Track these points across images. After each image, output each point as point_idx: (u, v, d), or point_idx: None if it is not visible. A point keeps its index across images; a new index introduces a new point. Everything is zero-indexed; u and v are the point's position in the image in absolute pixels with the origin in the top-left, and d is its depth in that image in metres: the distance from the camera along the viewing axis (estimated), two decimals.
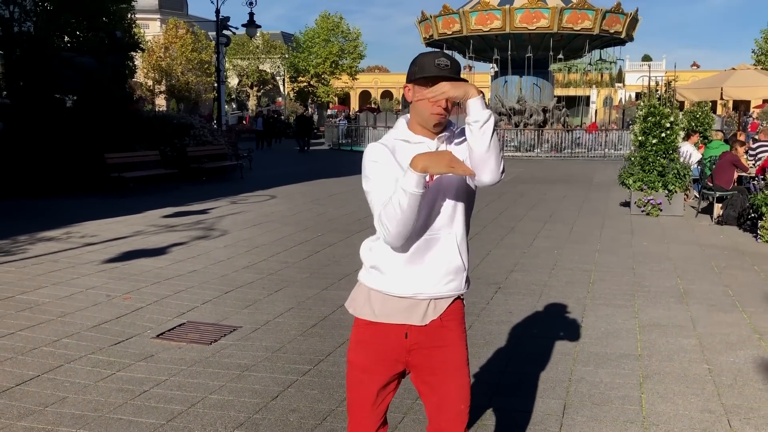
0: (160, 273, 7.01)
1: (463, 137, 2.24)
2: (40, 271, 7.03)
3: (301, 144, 30.66)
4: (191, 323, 5.43)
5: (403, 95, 2.27)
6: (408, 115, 2.32)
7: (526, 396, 3.96)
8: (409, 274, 2.21)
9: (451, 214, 2.23)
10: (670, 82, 12.64)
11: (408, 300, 2.23)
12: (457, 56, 33.76)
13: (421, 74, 2.17)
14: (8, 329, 5.15)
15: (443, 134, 2.26)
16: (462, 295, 2.32)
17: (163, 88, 52.05)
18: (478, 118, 2.10)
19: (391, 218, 2.09)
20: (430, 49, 2.29)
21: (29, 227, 9.57)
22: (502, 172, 2.18)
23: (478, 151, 2.12)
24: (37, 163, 13.22)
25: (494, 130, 2.13)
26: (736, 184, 11.16)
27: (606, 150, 26.94)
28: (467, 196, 2.28)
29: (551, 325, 5.37)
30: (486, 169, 2.14)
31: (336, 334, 5.09)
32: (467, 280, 2.30)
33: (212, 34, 51.80)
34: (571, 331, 5.19)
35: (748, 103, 36.67)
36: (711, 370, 4.37)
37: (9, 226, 9.75)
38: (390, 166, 2.17)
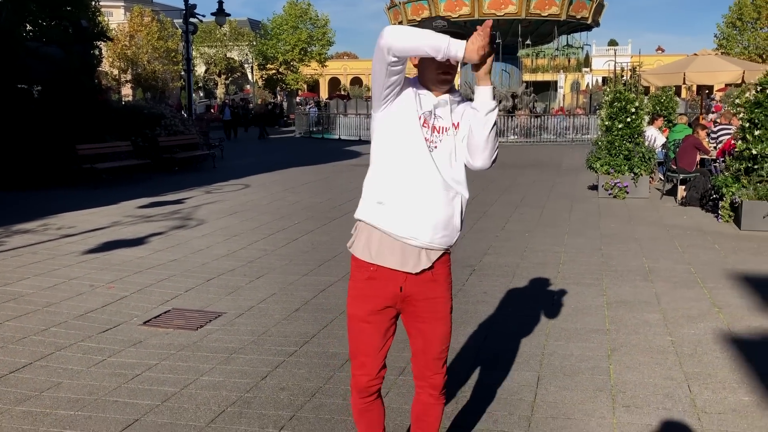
0: (141, 262, 7.11)
1: (465, 104, 2.46)
2: (20, 263, 7.08)
3: (261, 131, 30.92)
4: (176, 310, 5.57)
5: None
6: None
7: (503, 369, 4.20)
8: (410, 217, 2.39)
9: (461, 177, 2.45)
10: (635, 68, 12.97)
11: (402, 243, 2.42)
12: None
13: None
14: None
15: (446, 96, 2.43)
16: (450, 248, 2.53)
17: (129, 77, 51.37)
18: (486, 106, 2.31)
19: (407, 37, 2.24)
20: None
21: (3, 220, 9.55)
22: (494, 161, 2.40)
23: (479, 137, 2.34)
24: (6, 156, 13.11)
25: (495, 122, 2.33)
26: (699, 166, 11.56)
27: (574, 135, 27.41)
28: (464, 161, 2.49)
29: (524, 304, 5.62)
30: (480, 155, 2.38)
31: (319, 318, 5.28)
32: (459, 235, 2.52)
33: (178, 21, 51.18)
34: (544, 309, 5.45)
35: (711, 86, 37.47)
36: (673, 341, 4.67)
37: None
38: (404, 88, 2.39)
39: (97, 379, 4.16)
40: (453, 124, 2.44)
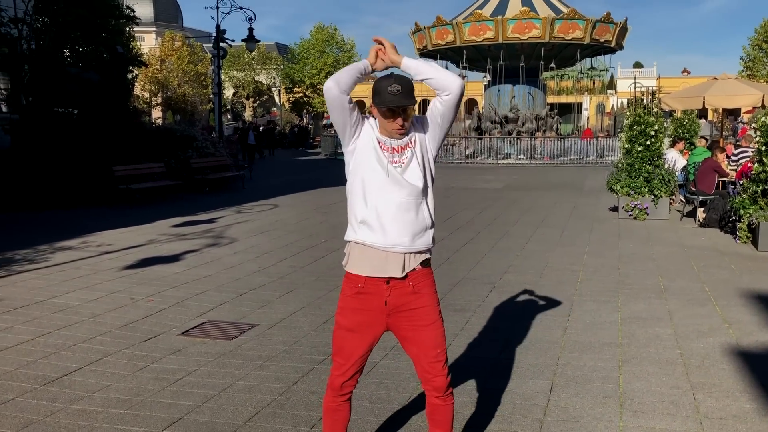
0: (177, 278, 7.51)
1: (418, 127, 2.88)
2: (65, 277, 7.52)
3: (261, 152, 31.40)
4: (212, 322, 5.93)
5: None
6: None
7: (518, 378, 4.48)
8: (390, 229, 2.76)
9: (422, 181, 2.80)
10: (655, 91, 13.20)
11: (387, 253, 2.78)
12: (451, 66, 34.41)
13: (379, 102, 2.74)
14: (47, 328, 5.65)
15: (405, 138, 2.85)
16: (429, 258, 2.87)
17: (159, 100, 52.67)
18: (415, 71, 2.80)
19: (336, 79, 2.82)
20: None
21: (47, 238, 10.06)
22: (459, 85, 2.74)
23: (431, 81, 2.78)
24: (46, 177, 13.72)
25: (426, 65, 2.81)
26: (720, 188, 11.72)
27: (596, 157, 27.55)
28: (430, 165, 2.88)
29: (541, 319, 5.89)
30: (446, 84, 2.76)
31: None
32: (433, 239, 2.86)
33: (207, 46, 52.45)
34: (559, 323, 5.71)
35: (738, 109, 37.32)
36: (682, 354, 4.90)
37: (27, 236, 10.24)
38: (360, 118, 2.85)
39: (141, 382, 4.52)
40: (409, 141, 2.84)
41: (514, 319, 5.88)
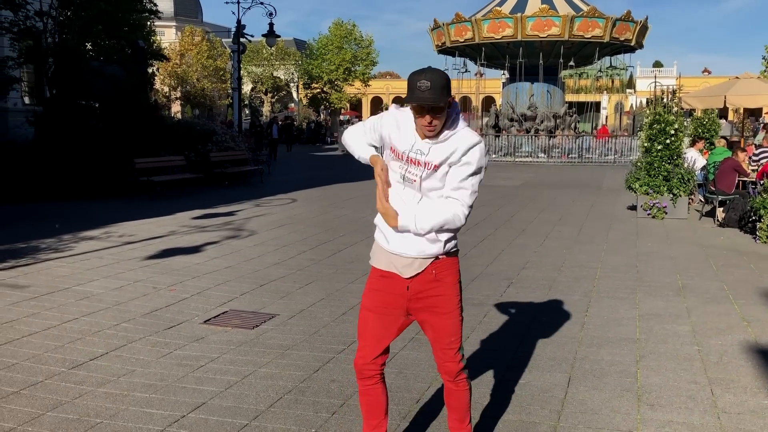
0: (199, 268, 7.62)
1: (462, 157, 2.73)
2: (89, 266, 7.66)
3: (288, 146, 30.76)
4: (233, 311, 6.03)
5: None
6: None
7: (536, 371, 4.52)
8: (394, 236, 2.84)
9: (430, 197, 2.79)
10: (675, 90, 13.15)
11: (396, 256, 2.85)
12: (469, 63, 34.38)
13: (409, 97, 2.61)
14: (73, 315, 5.78)
15: (436, 139, 2.76)
16: (452, 252, 2.88)
17: (178, 94, 53.05)
18: (414, 232, 2.76)
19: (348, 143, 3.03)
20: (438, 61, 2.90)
21: (70, 228, 10.23)
22: (461, 218, 2.73)
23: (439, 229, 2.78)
24: (70, 168, 13.92)
25: (423, 219, 2.73)
26: (740, 188, 11.66)
27: (615, 156, 27.42)
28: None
29: (559, 314, 5.92)
30: (449, 230, 2.78)
31: None
32: (446, 244, 2.80)
33: (227, 41, 52.65)
34: (577, 319, 5.74)
35: (759, 109, 36.94)
36: (700, 350, 4.92)
37: (51, 227, 10.42)
38: (386, 128, 2.86)
39: (166, 368, 4.62)
40: (432, 165, 2.71)
41: (531, 314, 5.93)
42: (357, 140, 2.99)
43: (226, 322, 5.71)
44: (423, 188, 2.76)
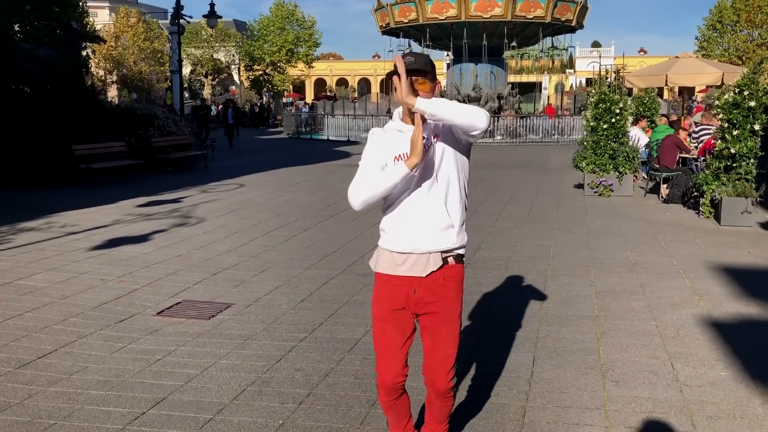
0: (148, 258, 7.37)
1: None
2: (30, 258, 7.31)
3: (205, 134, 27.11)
4: (187, 302, 5.84)
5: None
6: (400, 108, 2.80)
7: (501, 351, 4.53)
8: (405, 234, 2.73)
9: (442, 182, 2.71)
10: (619, 69, 13.39)
11: (409, 255, 2.73)
12: (413, 44, 34.27)
13: (393, 70, 2.59)
14: (16, 311, 5.49)
15: (429, 123, 2.69)
16: (461, 255, 2.81)
17: (115, 78, 51.30)
18: (431, 113, 2.56)
19: (367, 188, 2.68)
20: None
21: (7, 218, 9.75)
22: (483, 126, 2.58)
23: (453, 124, 2.61)
24: (4, 156, 13.27)
25: (444, 106, 2.55)
26: (681, 164, 11.99)
27: (558, 136, 27.88)
28: (458, 165, 2.76)
29: (518, 294, 5.96)
30: (469, 126, 2.57)
31: (325, 307, 5.58)
32: (459, 234, 2.76)
33: (164, 22, 51.10)
34: (536, 297, 5.78)
35: (692, 88, 38.14)
36: (658, 325, 5.02)
37: None
38: (380, 148, 2.74)
39: (120, 363, 4.43)
40: (433, 136, 2.70)
41: (491, 295, 5.94)
42: (375, 176, 2.70)
43: (180, 313, 5.53)
44: (436, 166, 2.70)
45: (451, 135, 2.72)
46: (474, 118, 2.56)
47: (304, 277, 6.60)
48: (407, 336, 2.84)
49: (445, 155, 2.73)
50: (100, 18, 56.41)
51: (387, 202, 2.79)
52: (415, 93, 2.61)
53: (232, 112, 28.63)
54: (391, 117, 2.86)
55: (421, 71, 2.63)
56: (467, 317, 5.29)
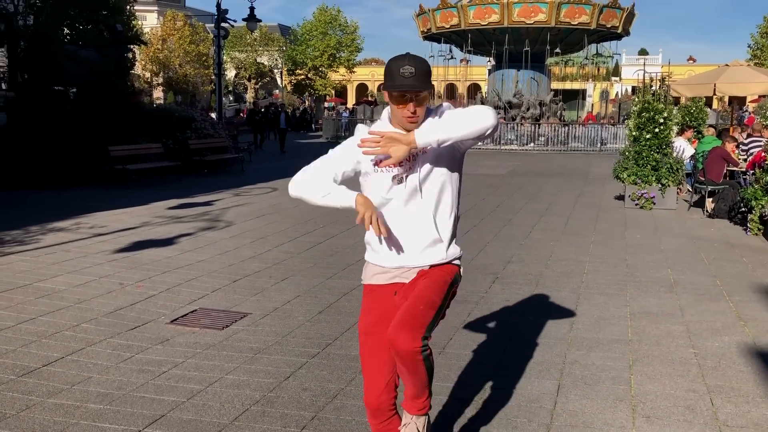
0: (170, 262, 7.25)
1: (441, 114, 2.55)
2: (54, 260, 7.27)
3: (259, 139, 27.16)
4: (203, 310, 5.68)
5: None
6: (389, 110, 2.61)
7: (523, 376, 4.22)
8: (392, 249, 2.60)
9: (430, 192, 2.55)
10: (665, 78, 12.88)
11: (397, 269, 2.63)
12: (455, 50, 33.96)
13: (390, 84, 2.45)
14: (30, 315, 5.40)
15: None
16: (453, 261, 2.65)
17: (160, 80, 52.19)
18: (440, 141, 2.39)
19: (309, 189, 2.63)
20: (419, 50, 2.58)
21: (39, 218, 9.80)
22: (492, 125, 2.39)
23: (467, 135, 2.40)
24: (42, 156, 13.44)
25: (449, 127, 2.38)
26: (728, 178, 11.43)
27: (601, 144, 27.21)
28: (448, 174, 2.57)
29: (546, 312, 5.63)
30: (481, 131, 2.40)
31: (342, 320, 5.35)
32: (448, 248, 2.62)
33: (210, 26, 51.81)
34: (566, 317, 5.45)
35: (743, 98, 36.92)
36: (697, 353, 4.64)
37: (19, 216, 9.99)
38: (349, 155, 2.62)
39: (125, 374, 4.27)
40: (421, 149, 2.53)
41: (518, 312, 5.63)
42: (318, 181, 2.60)
43: (194, 322, 5.36)
44: (424, 178, 2.54)
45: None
46: (481, 121, 2.38)
47: (324, 287, 6.39)
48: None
49: (435, 166, 2.55)
50: (149, 21, 57.41)
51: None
52: (410, 124, 2.48)
53: (285, 117, 27.92)
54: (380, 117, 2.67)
55: (423, 97, 2.45)
56: (489, 338, 4.99)
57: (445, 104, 2.66)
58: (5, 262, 7.11)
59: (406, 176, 2.56)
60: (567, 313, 5.56)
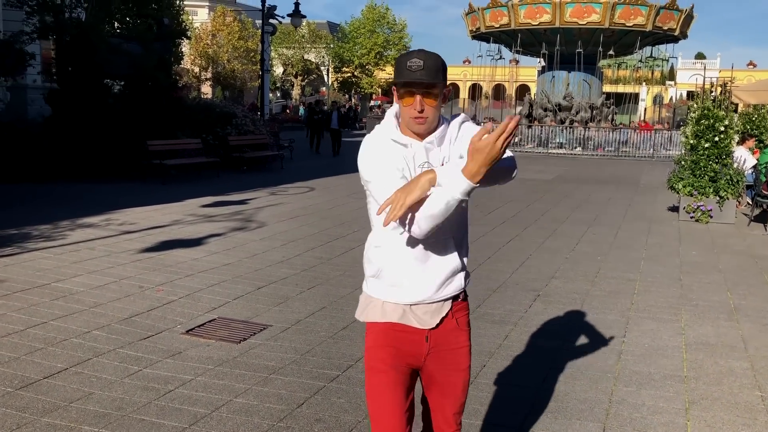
0: (195, 265, 6.97)
1: (459, 133, 2.20)
2: (77, 258, 7.06)
3: (316, 142, 23.71)
4: (222, 319, 5.36)
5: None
6: (396, 108, 2.22)
7: (563, 417, 3.76)
8: (411, 283, 2.20)
9: (448, 218, 2.14)
10: (726, 83, 12.11)
11: (416, 306, 2.23)
12: (504, 50, 33.23)
13: (396, 79, 2.10)
14: (42, 318, 5.16)
15: (432, 137, 2.16)
16: (467, 293, 2.35)
17: (209, 75, 52.63)
18: (458, 189, 1.98)
19: (426, 217, 2.04)
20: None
21: (71, 212, 9.67)
22: (512, 174, 2.16)
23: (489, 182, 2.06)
24: (82, 148, 13.42)
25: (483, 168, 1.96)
26: None
27: (654, 150, 26.22)
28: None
29: (592, 339, 5.14)
30: (505, 178, 2.15)
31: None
32: (467, 275, 2.31)
33: (259, 22, 52.09)
34: (613, 346, 4.95)
35: None
36: (764, 397, 4.10)
37: (52, 209, 9.89)
38: (391, 161, 2.14)
39: (128, 392, 3.96)
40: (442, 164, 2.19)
41: (560, 337, 5.14)
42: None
43: (211, 333, 5.04)
44: None
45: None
46: (509, 170, 2.14)
47: (352, 298, 5.99)
48: (409, 395, 2.29)
49: None
50: (200, 16, 58.01)
51: (383, 243, 2.24)
52: (417, 126, 2.14)
53: (338, 116, 24.07)
54: (396, 121, 2.24)
55: (433, 93, 2.08)
56: (527, 367, 4.52)
57: (462, 116, 2.27)
58: (28, 259, 6.93)
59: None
60: (614, 341, 5.05)
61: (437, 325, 2.24)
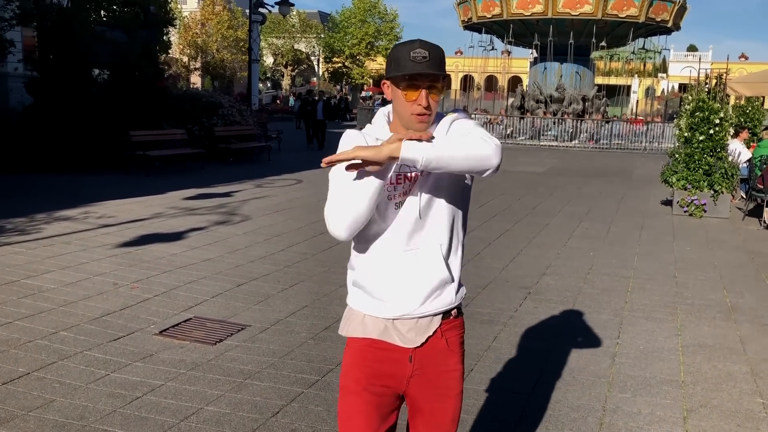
0: (173, 260, 6.71)
1: (448, 132, 1.95)
2: (50, 253, 6.78)
3: (312, 134, 22.56)
4: (198, 319, 5.11)
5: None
6: (388, 109, 2.02)
7: (554, 427, 3.54)
8: (393, 294, 1.96)
9: (434, 222, 1.96)
10: (721, 75, 11.92)
11: (398, 320, 1.98)
12: (496, 41, 32.96)
13: (396, 71, 1.88)
14: (6, 318, 4.89)
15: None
16: (461, 310, 2.09)
17: (198, 64, 52.03)
18: (424, 163, 1.77)
19: (347, 208, 1.89)
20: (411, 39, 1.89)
21: (49, 205, 9.37)
22: (493, 166, 1.83)
23: (455, 170, 1.83)
24: (63, 138, 13.07)
25: (441, 151, 1.77)
26: None
27: (646, 143, 26.06)
28: (456, 197, 1.99)
29: (585, 340, 4.92)
30: (478, 167, 1.83)
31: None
32: (458, 290, 2.04)
33: (248, 11, 51.51)
34: (607, 348, 4.73)
35: None
36: (766, 405, 3.89)
37: (29, 202, 9.58)
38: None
39: (93, 399, 3.71)
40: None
41: (552, 338, 4.92)
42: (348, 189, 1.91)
43: (185, 334, 4.79)
44: (426, 204, 1.94)
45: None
46: (481, 157, 1.81)
47: (336, 296, 5.77)
48: (386, 422, 2.03)
49: (441, 188, 1.94)
50: (189, 5, 57.32)
51: (361, 248, 2.00)
52: (419, 124, 1.90)
53: (323, 106, 22.61)
54: (385, 118, 2.03)
55: (438, 87, 1.89)
56: (517, 372, 4.30)
57: (457, 112, 2.02)
58: None
59: (402, 200, 1.93)
60: (608, 342, 4.84)
61: (422, 344, 1.99)
